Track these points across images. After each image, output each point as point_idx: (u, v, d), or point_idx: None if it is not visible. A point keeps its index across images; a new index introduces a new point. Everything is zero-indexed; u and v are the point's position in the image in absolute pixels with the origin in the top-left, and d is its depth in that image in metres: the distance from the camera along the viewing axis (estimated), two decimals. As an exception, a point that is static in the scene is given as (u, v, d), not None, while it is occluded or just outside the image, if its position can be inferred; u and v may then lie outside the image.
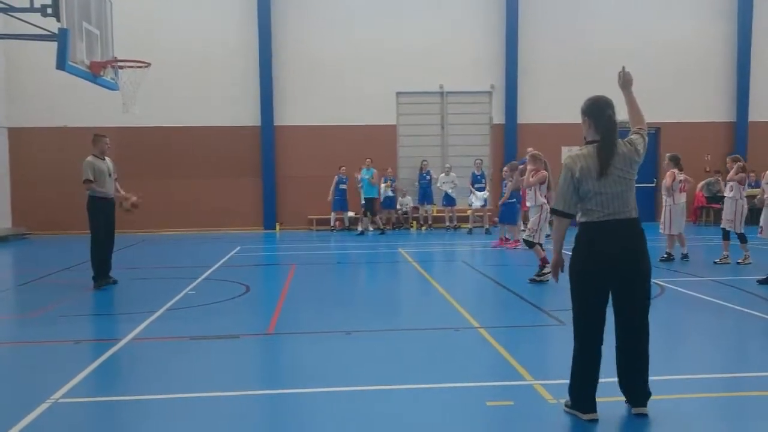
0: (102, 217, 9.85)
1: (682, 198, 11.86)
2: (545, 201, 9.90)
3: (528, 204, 10.28)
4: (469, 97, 20.37)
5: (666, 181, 11.78)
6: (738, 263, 11.23)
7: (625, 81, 4.64)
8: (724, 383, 5.36)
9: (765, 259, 11.71)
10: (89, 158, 9.84)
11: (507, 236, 15.08)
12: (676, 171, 11.80)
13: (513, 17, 19.91)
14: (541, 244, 10.01)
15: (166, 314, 8.05)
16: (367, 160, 18.55)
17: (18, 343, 7.03)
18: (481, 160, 18.67)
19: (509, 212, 14.98)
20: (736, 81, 20.61)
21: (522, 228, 15.05)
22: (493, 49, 20.18)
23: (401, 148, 20.38)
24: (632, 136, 4.50)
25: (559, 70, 20.07)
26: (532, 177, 10.10)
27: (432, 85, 20.11)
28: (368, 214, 18.45)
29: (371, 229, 19.07)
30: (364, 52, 19.77)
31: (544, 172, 9.99)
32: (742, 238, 11.25)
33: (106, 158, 10.03)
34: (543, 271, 9.71)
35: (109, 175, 9.95)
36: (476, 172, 18.16)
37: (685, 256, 11.88)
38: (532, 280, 9.79)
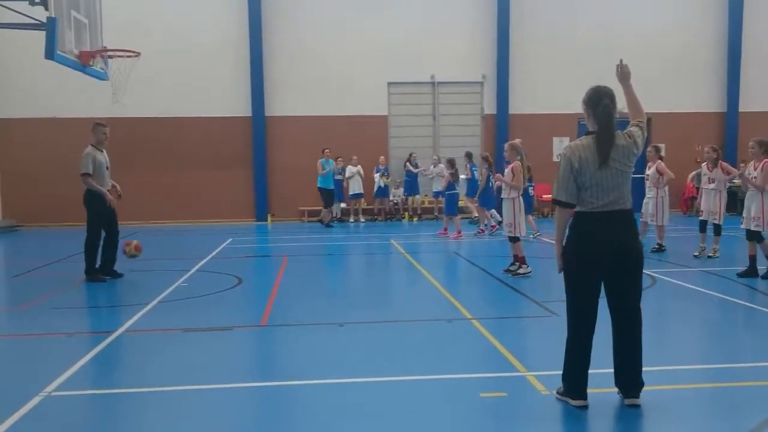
0: (100, 209, 9.67)
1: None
2: (517, 194, 9.84)
3: (502, 196, 10.15)
4: (461, 88, 20.36)
5: (666, 172, 11.68)
6: (709, 256, 10.97)
7: (623, 74, 4.64)
8: (716, 374, 5.40)
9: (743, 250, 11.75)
10: (89, 149, 9.66)
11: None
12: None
13: (504, 7, 19.88)
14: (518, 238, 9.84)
15: (158, 306, 8.02)
16: (326, 151, 18.29)
17: (10, 336, 6.99)
18: (470, 152, 17.64)
19: (451, 203, 15.25)
20: (727, 71, 20.69)
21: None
22: (484, 40, 20.15)
23: (392, 139, 20.36)
24: (631, 128, 4.50)
25: (551, 60, 20.09)
26: (510, 170, 9.94)
27: (423, 76, 20.08)
28: (328, 205, 18.23)
29: (355, 219, 19.15)
30: (355, 43, 19.69)
31: (517, 163, 9.86)
32: (718, 230, 10.97)
33: (104, 150, 9.90)
34: (518, 271, 9.62)
35: (107, 167, 9.84)
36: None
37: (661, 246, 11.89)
38: (515, 273, 9.65)
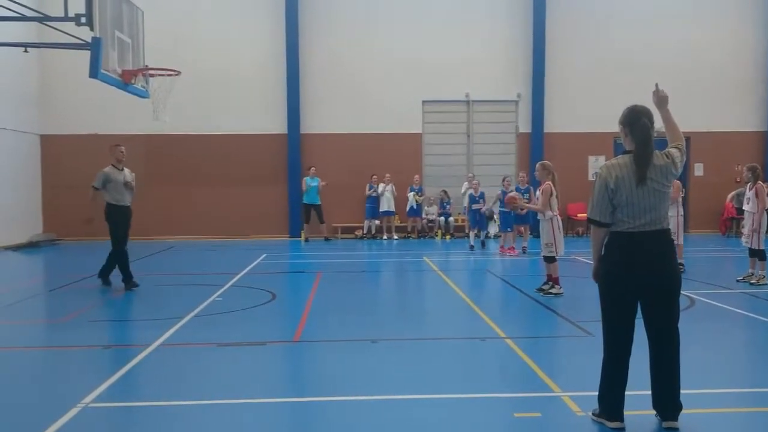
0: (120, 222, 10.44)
1: None
2: (555, 214, 9.75)
3: (538, 217, 10.10)
4: (496, 106, 20.31)
5: (679, 191, 11.54)
6: (751, 284, 10.27)
7: (660, 99, 4.62)
8: (756, 397, 5.26)
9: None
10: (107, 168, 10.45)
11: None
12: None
13: (540, 26, 19.83)
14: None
15: (193, 320, 8.11)
16: (312, 168, 18.78)
17: (48, 348, 7.14)
18: (524, 174, 16.29)
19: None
20: (767, 89, 20.29)
21: None
22: (519, 58, 20.10)
23: (426, 157, 20.36)
24: (670, 149, 4.47)
25: (586, 79, 19.93)
26: (540, 191, 9.88)
27: (458, 94, 20.08)
28: (309, 221, 18.74)
29: (388, 236, 19.17)
30: (390, 61, 19.80)
31: (549, 183, 9.74)
32: (761, 255, 10.46)
33: (124, 168, 10.49)
34: (551, 290, 9.54)
35: (125, 184, 10.37)
36: (521, 187, 15.43)
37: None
38: (546, 292, 9.58)
